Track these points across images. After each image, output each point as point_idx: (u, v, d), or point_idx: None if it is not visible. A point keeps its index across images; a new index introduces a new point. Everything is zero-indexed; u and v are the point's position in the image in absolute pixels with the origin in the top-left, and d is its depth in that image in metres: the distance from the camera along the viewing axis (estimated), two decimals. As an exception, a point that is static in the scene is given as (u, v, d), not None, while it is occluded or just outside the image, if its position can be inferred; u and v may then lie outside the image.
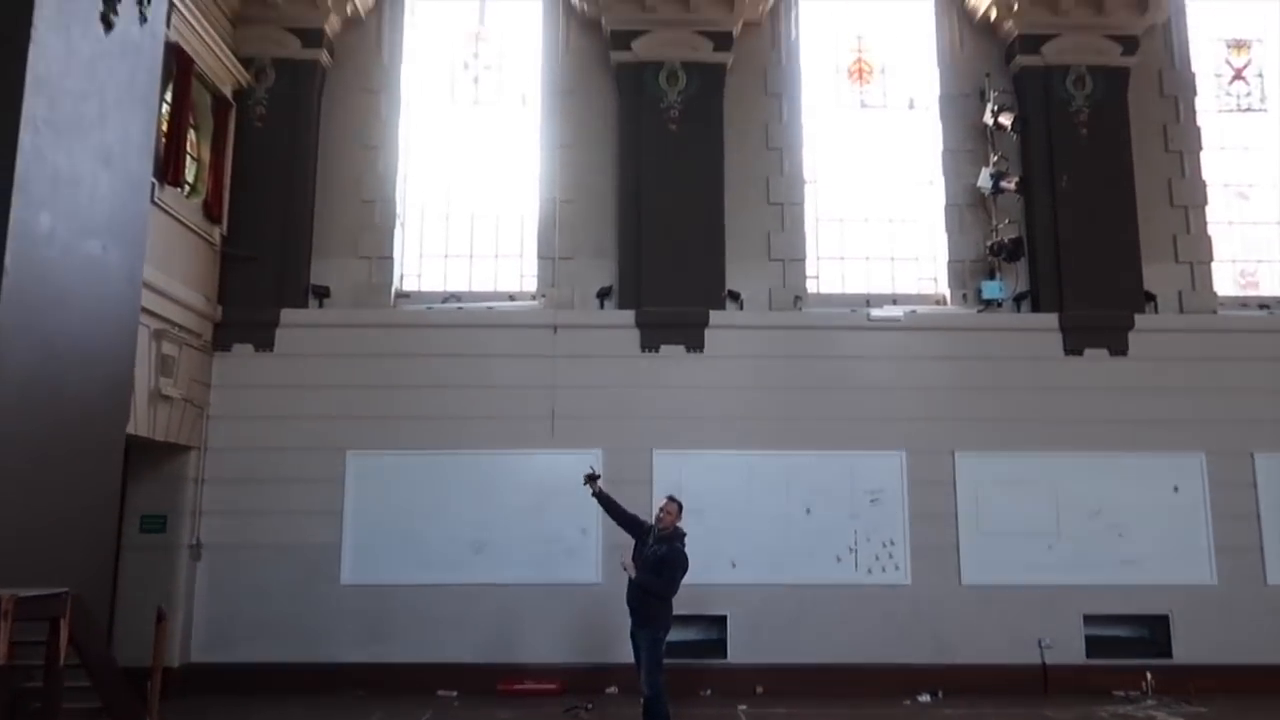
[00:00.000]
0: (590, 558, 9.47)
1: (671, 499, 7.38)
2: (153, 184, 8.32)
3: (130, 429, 8.10)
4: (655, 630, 7.04)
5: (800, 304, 10.28)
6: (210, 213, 9.58)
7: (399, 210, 10.52)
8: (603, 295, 10.21)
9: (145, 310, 8.27)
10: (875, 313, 10.11)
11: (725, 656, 9.34)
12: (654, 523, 7.34)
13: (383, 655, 9.29)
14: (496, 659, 9.28)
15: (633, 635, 7.16)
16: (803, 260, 10.46)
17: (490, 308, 10.22)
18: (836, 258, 10.76)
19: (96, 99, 6.99)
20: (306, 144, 10.30)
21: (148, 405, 8.50)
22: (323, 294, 10.18)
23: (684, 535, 7.25)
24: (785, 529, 9.55)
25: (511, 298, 10.45)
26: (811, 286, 10.54)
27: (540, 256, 10.42)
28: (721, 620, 9.44)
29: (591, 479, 7.51)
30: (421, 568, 9.47)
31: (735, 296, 10.20)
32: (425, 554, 9.50)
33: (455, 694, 9.08)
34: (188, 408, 9.25)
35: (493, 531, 9.57)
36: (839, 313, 10.21)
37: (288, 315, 9.92)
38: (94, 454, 7.03)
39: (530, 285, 10.51)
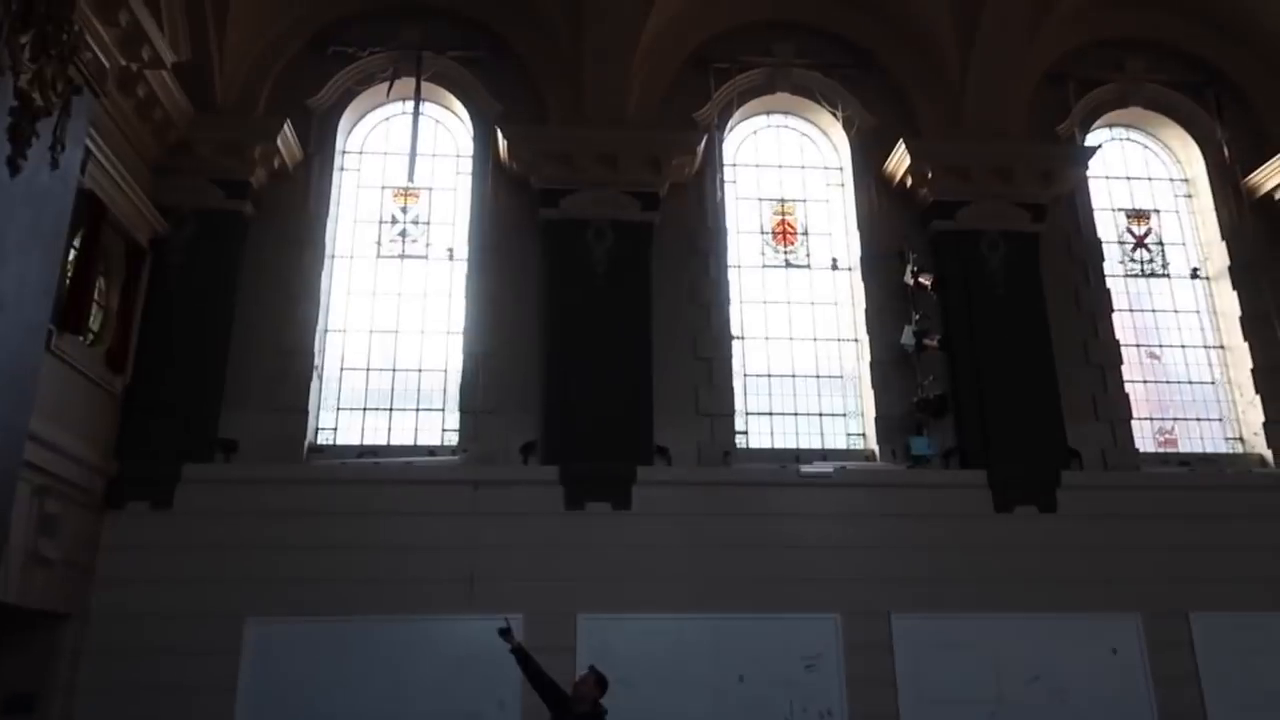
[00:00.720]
0: (507, 729, 8.74)
1: (592, 669, 6.88)
2: (50, 331, 7.92)
3: (4, 597, 7.38)
4: None
5: (729, 459, 10.08)
6: (113, 362, 9.13)
7: (317, 361, 10.19)
8: (526, 450, 9.88)
9: (28, 464, 7.67)
10: (805, 468, 9.94)
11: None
12: (574, 702, 6.80)
13: None
14: None
15: None
16: (731, 415, 10.33)
17: (408, 463, 9.79)
18: (765, 413, 10.68)
19: (-6, 243, 6.66)
20: (224, 294, 10.00)
21: (20, 570, 7.76)
22: (230, 448, 9.64)
23: (605, 712, 6.72)
24: (718, 699, 8.98)
25: (431, 453, 10.05)
26: (740, 441, 10.38)
27: (463, 410, 10.11)
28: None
29: (506, 633, 7.11)
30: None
31: (663, 452, 9.96)
32: (336, 726, 8.68)
33: None
34: (69, 571, 8.49)
35: (404, 706, 8.80)
36: (768, 468, 10.02)
37: (190, 470, 9.34)
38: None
39: (452, 440, 10.15)
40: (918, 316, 10.44)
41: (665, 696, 8.89)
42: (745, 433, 10.51)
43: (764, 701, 9.00)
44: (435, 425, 10.30)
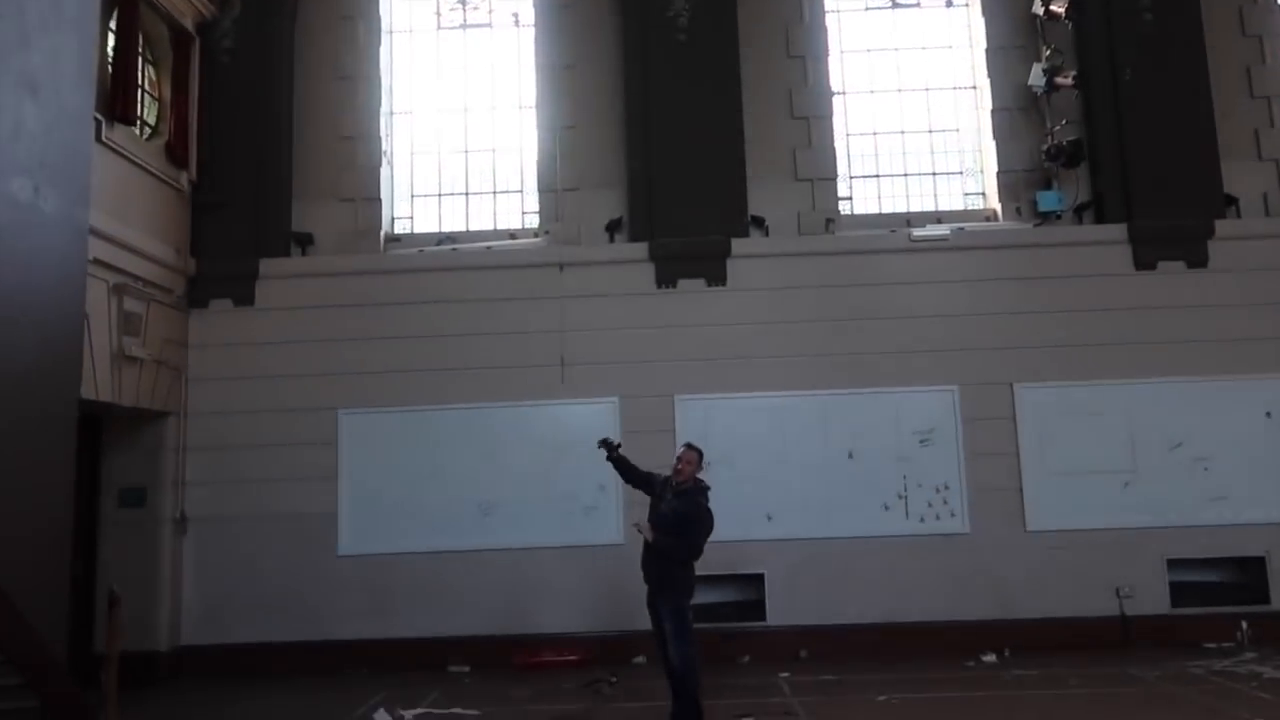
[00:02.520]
0: (610, 516, 8.55)
1: (690, 446, 6.41)
2: (98, 121, 7.47)
3: (90, 394, 7.30)
4: (677, 597, 6.08)
5: (833, 227, 9.21)
6: (175, 156, 8.69)
7: (385, 147, 9.57)
8: (612, 228, 9.21)
9: (99, 262, 7.44)
10: (918, 232, 9.00)
11: (764, 619, 8.42)
12: (671, 475, 6.39)
13: (387, 630, 8.49)
14: (511, 630, 8.45)
15: (650, 605, 6.23)
16: (833, 179, 9.36)
17: (489, 248, 9.26)
18: (871, 175, 9.66)
19: (14, 20, 6.06)
20: (280, 78, 9.36)
21: (111, 368, 7.68)
22: (305, 241, 9.28)
23: (707, 489, 6.28)
24: (825, 477, 8.56)
25: (512, 236, 9.48)
26: (845, 208, 9.46)
27: (542, 190, 9.43)
28: (758, 579, 8.51)
29: (609, 445, 6.58)
30: (425, 534, 8.62)
31: (759, 222, 9.14)
32: (429, 519, 8.65)
33: (467, 669, 8.26)
34: (161, 370, 8.43)
35: (501, 492, 8.68)
36: (877, 235, 9.13)
37: (268, 266, 9.04)
38: (40, 422, 6.21)
39: (532, 222, 9.54)
40: (1049, 51, 9.07)
41: (770, 474, 8.53)
42: (849, 198, 9.56)
43: (874, 477, 8.54)
44: (515, 207, 9.68)
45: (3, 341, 5.71)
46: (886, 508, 8.50)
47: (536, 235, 9.40)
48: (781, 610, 8.41)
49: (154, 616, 8.35)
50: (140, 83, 8.51)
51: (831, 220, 9.22)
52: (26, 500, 5.72)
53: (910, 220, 9.26)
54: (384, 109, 9.64)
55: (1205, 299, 8.72)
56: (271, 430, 8.78)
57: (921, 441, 8.58)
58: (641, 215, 9.13)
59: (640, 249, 9.00)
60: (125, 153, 7.90)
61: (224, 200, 9.07)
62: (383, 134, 9.55)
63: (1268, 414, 8.54)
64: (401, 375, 8.85)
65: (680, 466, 6.27)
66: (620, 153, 9.33)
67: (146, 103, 8.68)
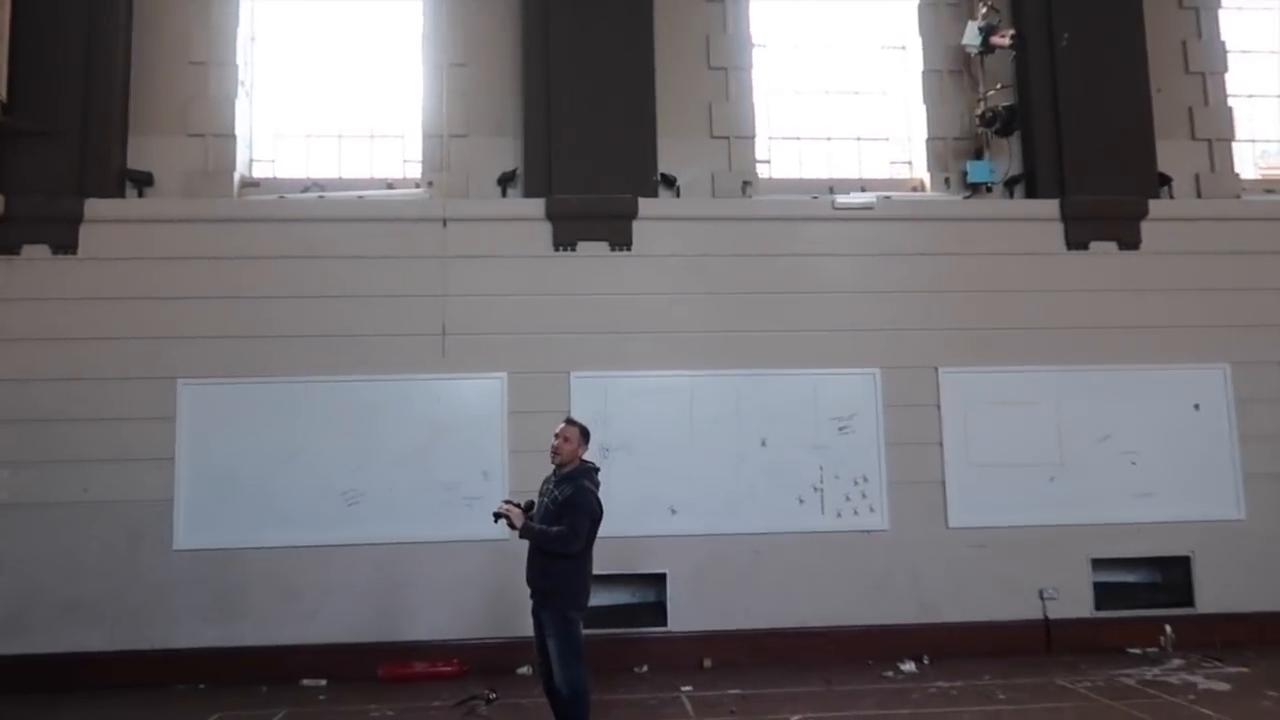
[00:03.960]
0: (494, 507, 7.52)
1: (570, 421, 5.44)
2: None
3: None
4: (563, 606, 5.13)
5: (750, 190, 8.37)
6: (-23, 70, 7.24)
7: (243, 76, 8.26)
8: (505, 181, 8.15)
9: None
10: (841, 199, 8.23)
11: (665, 624, 7.57)
12: (552, 460, 5.43)
13: (230, 637, 7.31)
14: (377, 637, 7.38)
15: (534, 615, 5.28)
16: (752, 138, 8.51)
17: (361, 197, 8.08)
18: (792, 137, 8.85)
19: None
20: (115, -13, 7.95)
21: (-121, 321, 6.26)
22: (143, 181, 7.94)
23: (594, 469, 5.36)
24: (735, 465, 7.74)
25: (390, 185, 8.32)
26: (763, 171, 8.63)
27: (426, 135, 8.29)
28: (659, 579, 7.65)
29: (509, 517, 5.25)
30: (279, 526, 7.45)
31: (670, 182, 8.24)
32: (283, 509, 7.47)
33: (324, 682, 7.16)
34: (-46, 327, 7.01)
35: (370, 479, 7.57)
36: (797, 200, 8.32)
37: (95, 207, 7.66)
38: None
39: (414, 172, 8.39)
40: (985, 9, 8.39)
41: (675, 463, 7.67)
42: (768, 161, 8.73)
43: (789, 467, 7.77)
44: (395, 154, 8.51)
45: None
46: (801, 501, 7.74)
47: (418, 186, 8.26)
48: (685, 614, 7.58)
49: (-60, 622, 6.98)
50: (-69, -23, 7.04)
51: (749, 183, 8.38)
52: None
53: (833, 188, 8.48)
54: (244, 31, 8.33)
55: (1137, 283, 8.23)
56: (95, 402, 7.46)
57: (840, 429, 7.84)
58: (539, 168, 8.10)
59: (536, 205, 7.97)
60: (-96, 59, 6.44)
61: (41, 127, 7.64)
62: (241, 61, 8.24)
63: (1196, 406, 8.12)
64: (254, 341, 7.63)
65: (557, 444, 5.30)
66: (516, 97, 8.28)
67: (-59, 4, 7.19)
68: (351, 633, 7.37)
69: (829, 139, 8.86)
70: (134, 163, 7.95)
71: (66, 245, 7.63)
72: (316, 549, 7.45)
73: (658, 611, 7.62)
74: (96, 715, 6.64)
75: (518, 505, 5.28)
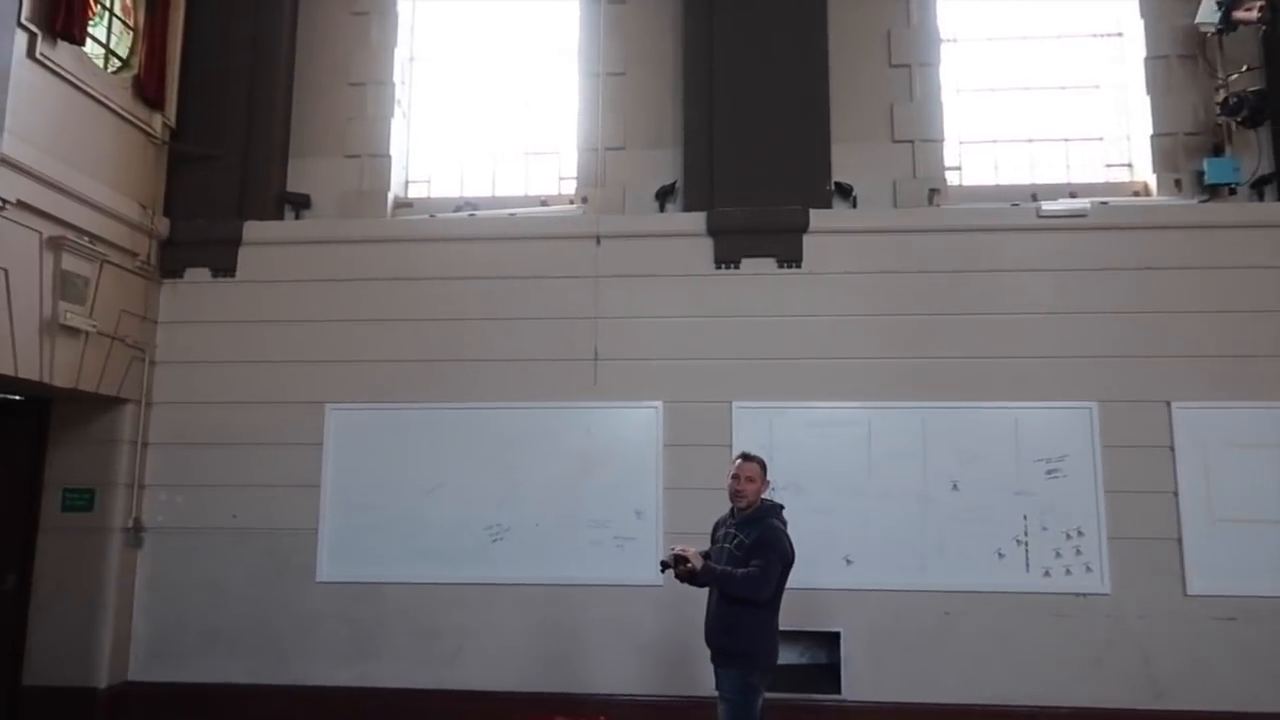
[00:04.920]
0: (649, 550, 6.84)
1: (748, 457, 4.84)
2: (30, 33, 6.09)
3: (8, 369, 5.94)
4: (746, 671, 4.48)
5: (937, 199, 7.40)
6: (146, 94, 7.29)
7: (399, 95, 8.06)
8: (663, 195, 7.54)
9: (25, 206, 6.11)
10: (1047, 205, 7.13)
11: (838, 691, 6.61)
12: (730, 500, 4.79)
13: (368, 677, 6.92)
14: (518, 686, 6.80)
15: (717, 677, 4.64)
16: (939, 142, 7.55)
17: (512, 214, 7.67)
18: (986, 140, 7.81)
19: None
20: (281, 10, 7.92)
21: (40, 339, 6.27)
22: (301, 204, 7.82)
23: (780, 509, 4.77)
24: (921, 511, 6.74)
25: (544, 203, 7.88)
26: (953, 178, 7.64)
27: (581, 149, 7.80)
28: (833, 639, 6.71)
29: (675, 567, 4.64)
30: (419, 561, 7.04)
31: (845, 192, 7.39)
32: (426, 543, 7.06)
33: (462, 733, 6.67)
34: (115, 347, 7.01)
35: (515, 514, 7.06)
36: (993, 208, 7.28)
37: (253, 230, 7.59)
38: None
39: (570, 188, 7.92)
40: (1225, -20, 7.14)
41: (850, 507, 6.75)
42: (958, 167, 7.73)
43: (986, 515, 6.68)
44: (550, 171, 8.08)
45: None
46: (1001, 555, 6.63)
47: (572, 203, 7.78)
48: (861, 681, 6.60)
49: (95, 645, 6.92)
50: (108, 3, 7.16)
51: (936, 191, 7.41)
52: None
53: (1036, 194, 7.39)
54: (402, 52, 8.15)
55: None
56: (247, 426, 7.32)
57: (1049, 472, 6.69)
58: (700, 180, 7.45)
59: (696, 220, 7.31)
60: (73, 79, 6.49)
61: (207, 151, 7.66)
62: (398, 80, 8.05)
63: None
64: (400, 365, 7.31)
65: (740, 487, 4.66)
66: (676, 105, 7.68)
67: (118, 30, 7.32)
68: (491, 679, 6.83)
69: (1030, 141, 7.77)
70: (293, 185, 7.86)
71: (226, 268, 7.58)
72: (457, 587, 6.97)
73: (830, 675, 6.68)
74: (232, 752, 6.38)
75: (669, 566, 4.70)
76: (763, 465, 4.85)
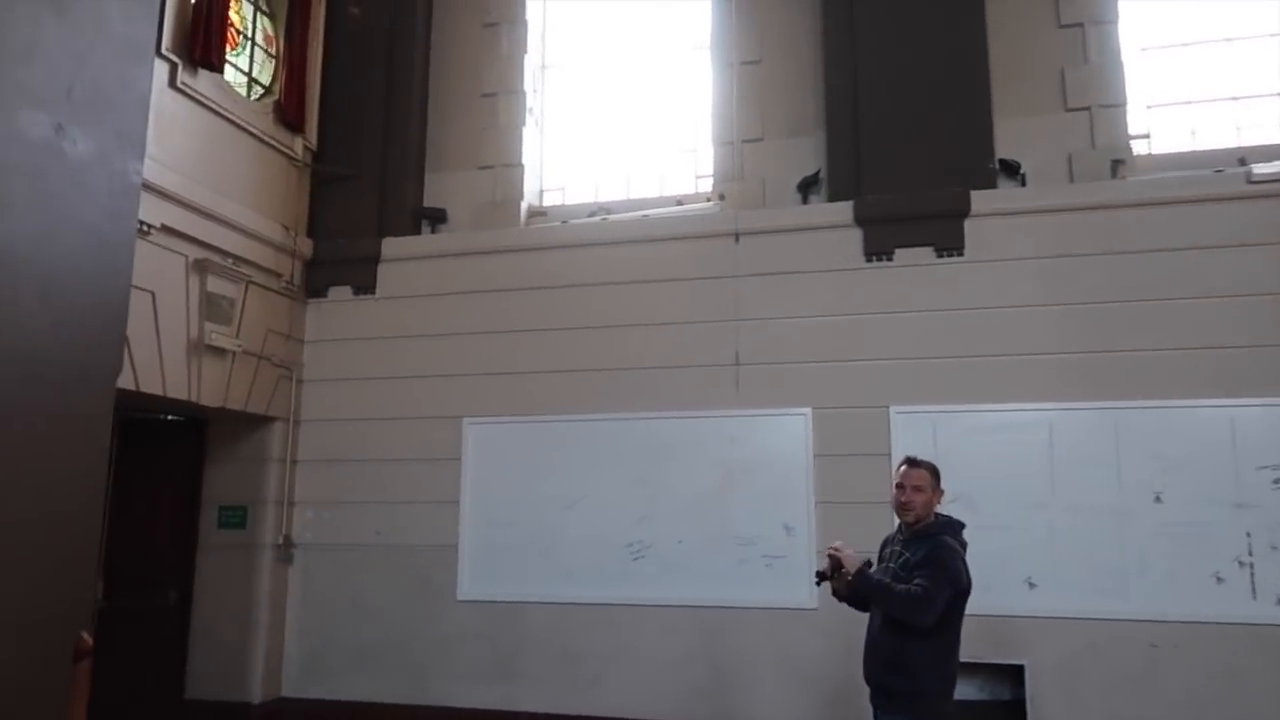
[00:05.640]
0: (800, 570, 6.26)
1: (916, 463, 4.05)
2: (171, 63, 6.24)
3: (152, 388, 6.03)
4: (913, 715, 3.74)
5: (1122, 170, 6.51)
6: (286, 118, 7.41)
7: (530, 104, 7.89)
8: (806, 186, 7.00)
9: (171, 231, 6.22)
10: (1260, 169, 6.12)
11: (1021, 731, 5.82)
12: (895, 512, 4.10)
13: (509, 700, 6.66)
14: (664, 714, 6.36)
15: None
16: (1121, 106, 6.66)
17: (645, 216, 7.31)
18: (1180, 101, 6.84)
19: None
20: (415, 27, 7.93)
21: (186, 360, 6.39)
22: (437, 218, 7.76)
23: (958, 526, 3.99)
24: (1117, 528, 5.85)
25: (679, 202, 7.48)
26: (1140, 147, 6.72)
27: (717, 143, 7.38)
28: (1015, 672, 5.93)
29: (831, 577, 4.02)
30: (558, 580, 6.73)
31: (1012, 169, 6.62)
32: (563, 561, 6.76)
33: (604, 764, 6.29)
34: (262, 367, 7.11)
35: (656, 530, 6.65)
36: (1192, 177, 6.32)
37: (391, 246, 7.57)
38: (54, 423, 4.89)
39: (707, 186, 7.50)
40: None
41: (1032, 523, 5.95)
42: (1146, 135, 6.80)
43: (1199, 532, 5.72)
44: (687, 170, 7.69)
45: (5, 306, 4.39)
46: (1220, 579, 5.64)
47: (709, 200, 7.35)
48: (1049, 721, 5.78)
49: (249, 661, 6.99)
50: (250, 33, 7.34)
51: (1121, 162, 6.53)
52: (42, 518, 4.38)
53: (1244, 158, 6.38)
54: (533, 60, 7.99)
55: None
56: (389, 441, 7.26)
57: (1276, 481, 5.67)
58: (846, 167, 6.86)
59: (843, 210, 6.72)
60: (215, 106, 6.64)
61: (347, 171, 7.73)
62: (530, 89, 7.89)
63: None
64: (536, 377, 7.06)
65: (906, 498, 3.95)
66: (817, 88, 7.13)
67: (260, 59, 7.49)
68: (636, 707, 6.41)
69: (1235, 99, 6.74)
70: (429, 200, 7.82)
71: (366, 285, 7.59)
72: (598, 608, 6.62)
73: (1014, 714, 5.88)
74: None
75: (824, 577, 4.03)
76: (933, 472, 4.02)
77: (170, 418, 7.31)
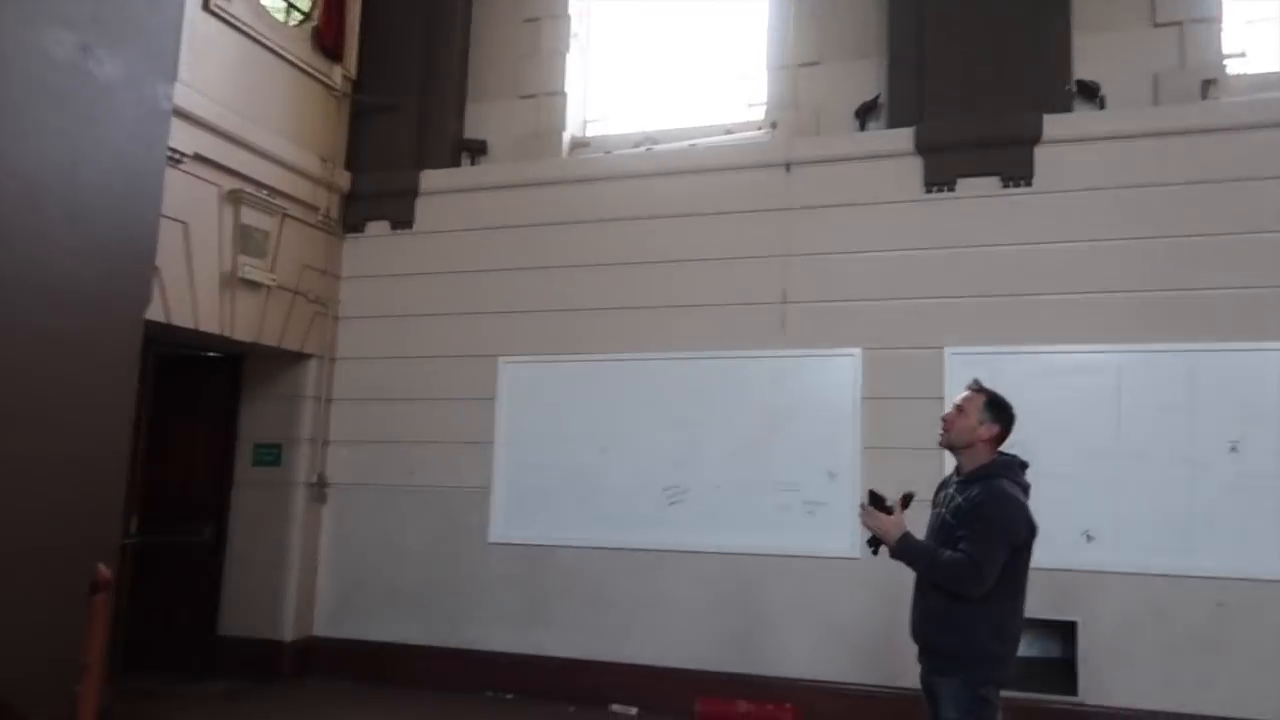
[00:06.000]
0: (843, 517, 5.95)
1: (979, 388, 3.52)
2: (205, -17, 6.05)
3: (184, 320, 5.95)
4: (973, 679, 3.25)
5: (1214, 91, 5.92)
6: (325, 46, 7.20)
7: (575, 29, 7.54)
8: (864, 112, 6.54)
9: (203, 159, 6.08)
10: (1371, 88, 5.50)
11: (1074, 692, 5.44)
12: (946, 450, 3.61)
13: (541, 645, 6.51)
14: (698, 664, 6.14)
15: (925, 685, 3.43)
16: (1214, 21, 6.04)
17: (693, 145, 6.95)
18: (1278, 16, 6.20)
19: None
20: (456, -49, 7.63)
21: (219, 292, 6.28)
22: (477, 149, 7.50)
23: (1019, 465, 3.48)
24: (1187, 479, 5.38)
25: (728, 131, 7.10)
26: (1234, 66, 6.10)
27: (771, 68, 6.95)
28: (1068, 629, 5.55)
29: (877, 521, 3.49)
30: (593, 524, 6.53)
31: (1090, 91, 6.06)
32: (600, 504, 6.54)
33: (634, 711, 6.10)
34: (297, 302, 6.99)
35: (695, 474, 6.37)
36: (1291, 98, 5.73)
37: (430, 179, 7.35)
38: (90, 350, 4.84)
39: (759, 115, 7.09)
40: None
41: (1092, 472, 5.53)
42: (1241, 54, 6.16)
43: (1275, 485, 5.22)
44: (739, 98, 7.27)
45: (32, 233, 4.30)
46: (1302, 536, 5.17)
47: (760, 129, 6.95)
48: (1104, 682, 5.39)
49: (282, 599, 6.96)
50: (284, -43, 7.13)
51: (1212, 82, 5.92)
52: (66, 449, 4.32)
53: (1352, 77, 5.75)
54: (579, -17, 7.64)
55: None
56: (424, 380, 7.11)
57: (1371, 430, 5.14)
58: (907, 91, 6.38)
59: (903, 137, 6.26)
60: (250, 31, 6.45)
61: (386, 101, 7.51)
62: (574, 13, 7.54)
63: None
64: (573, 315, 6.81)
65: (949, 417, 3.49)
66: (881, 6, 6.63)
67: (295, -17, 7.29)
68: (669, 656, 6.20)
69: (1345, 12, 6.07)
70: (470, 131, 7.56)
71: (404, 220, 7.39)
72: (632, 553, 6.39)
73: (1064, 673, 5.51)
74: (410, 713, 6.16)
75: (884, 504, 3.48)
76: (995, 403, 3.43)
77: (209, 354, 7.25)
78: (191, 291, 6.04)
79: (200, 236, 6.12)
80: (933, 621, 3.35)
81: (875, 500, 3.48)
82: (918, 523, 3.49)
